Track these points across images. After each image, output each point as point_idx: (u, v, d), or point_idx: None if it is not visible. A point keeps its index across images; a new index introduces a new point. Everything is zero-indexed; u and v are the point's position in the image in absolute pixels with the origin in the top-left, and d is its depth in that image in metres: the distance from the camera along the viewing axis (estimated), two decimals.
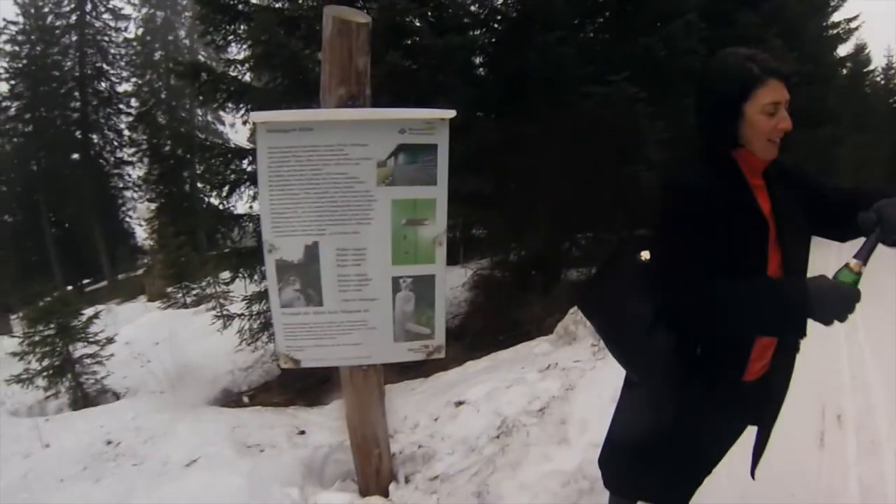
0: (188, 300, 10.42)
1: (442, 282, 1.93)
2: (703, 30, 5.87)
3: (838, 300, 1.12)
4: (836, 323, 1.12)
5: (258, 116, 1.81)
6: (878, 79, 29.98)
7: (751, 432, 1.63)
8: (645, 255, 1.39)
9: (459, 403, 2.97)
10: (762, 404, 1.51)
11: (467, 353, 4.45)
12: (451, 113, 1.78)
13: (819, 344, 4.13)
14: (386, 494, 2.23)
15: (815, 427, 3.00)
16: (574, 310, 4.11)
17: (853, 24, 16.58)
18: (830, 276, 1.14)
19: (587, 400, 2.72)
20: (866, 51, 25.26)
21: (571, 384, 2.98)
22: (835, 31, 15.47)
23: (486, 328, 5.64)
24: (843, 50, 17.07)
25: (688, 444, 1.45)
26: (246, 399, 5.09)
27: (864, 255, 1.13)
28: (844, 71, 17.60)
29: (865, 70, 25.60)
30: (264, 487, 2.29)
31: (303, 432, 3.15)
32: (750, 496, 2.10)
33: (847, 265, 1.13)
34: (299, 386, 4.75)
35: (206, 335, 6.77)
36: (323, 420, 3.29)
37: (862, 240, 1.19)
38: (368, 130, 1.78)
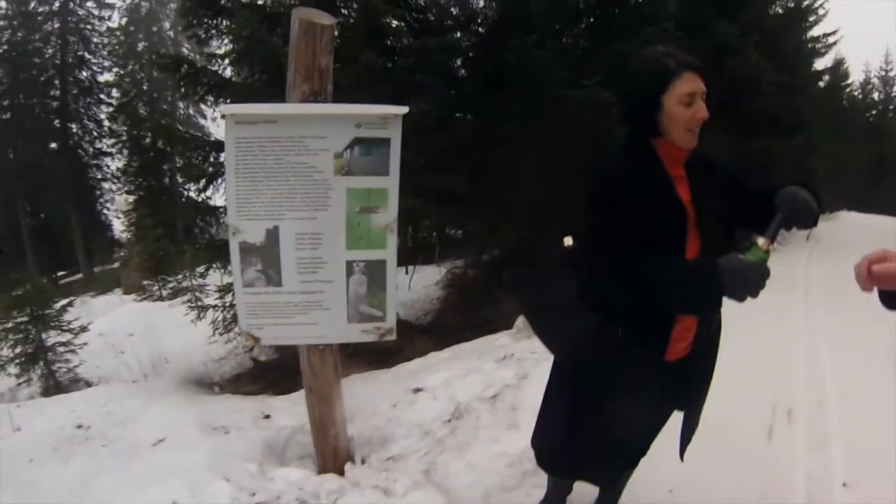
0: (164, 293, 10.37)
1: (393, 267, 2.06)
2: (680, 38, 6.06)
3: (749, 277, 1.17)
4: (750, 300, 1.17)
5: (227, 109, 1.95)
6: (856, 93, 30.86)
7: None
8: (567, 240, 1.46)
9: (418, 390, 3.08)
10: (686, 386, 1.54)
11: (434, 347, 4.57)
12: (404, 109, 1.91)
13: (778, 343, 4.31)
14: (341, 473, 2.33)
15: (766, 421, 3.06)
16: None
17: (832, 39, 16.90)
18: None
19: (539, 388, 2.78)
20: (844, 65, 25.95)
21: (525, 373, 3.10)
22: (813, 45, 15.78)
23: (455, 324, 5.77)
24: (821, 64, 17.38)
25: (614, 424, 1.48)
26: (217, 389, 5.15)
27: (771, 234, 1.19)
28: (822, 84, 17.98)
29: (843, 84, 26.31)
30: (225, 462, 2.37)
31: (268, 416, 3.22)
32: (697, 483, 2.17)
33: (755, 244, 1.18)
34: (271, 377, 4.85)
35: (180, 327, 6.78)
36: (289, 406, 3.37)
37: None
38: (327, 124, 1.91)
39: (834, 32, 16.64)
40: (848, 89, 27.77)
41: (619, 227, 1.30)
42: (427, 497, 2.07)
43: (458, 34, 5.91)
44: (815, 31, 15.60)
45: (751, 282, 1.17)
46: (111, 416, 3.23)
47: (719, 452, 2.34)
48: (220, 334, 5.32)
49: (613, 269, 1.31)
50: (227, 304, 5.20)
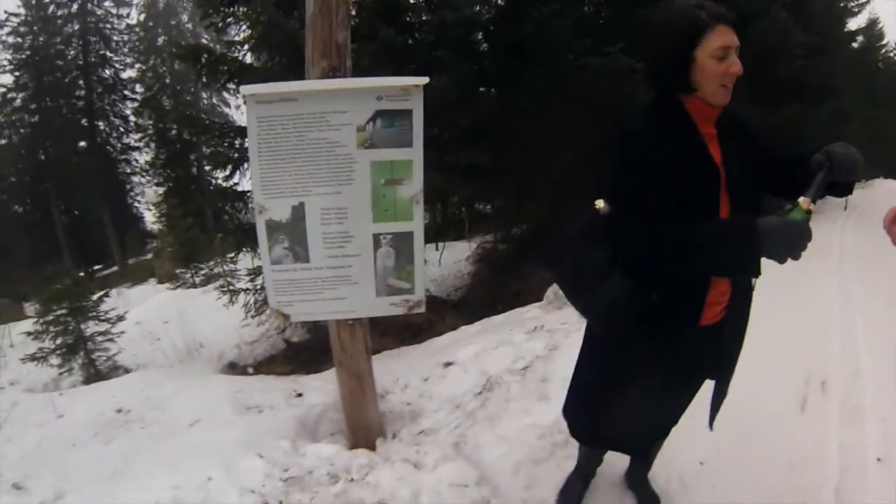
0: (197, 280, 10.59)
1: (420, 238, 2.06)
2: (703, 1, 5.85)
3: (789, 238, 1.14)
4: (791, 262, 1.14)
5: (247, 89, 1.95)
6: (892, 54, 29.39)
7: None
8: (599, 203, 1.39)
9: (448, 364, 3.09)
10: (718, 352, 1.51)
11: (465, 321, 4.58)
12: (425, 80, 1.89)
13: (811, 313, 4.20)
14: (373, 448, 2.36)
15: (799, 392, 2.99)
16: None
17: None
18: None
19: (570, 359, 2.76)
20: (879, 25, 24.75)
21: (556, 344, 3.08)
22: (845, 4, 15.05)
23: (485, 298, 5.75)
24: (854, 24, 16.63)
25: (647, 393, 1.46)
26: (251, 370, 5.26)
27: (813, 193, 1.15)
28: (855, 45, 17.21)
29: (878, 45, 25.10)
30: (258, 440, 2.42)
31: (300, 395, 3.29)
32: (728, 455, 2.15)
33: (797, 203, 1.14)
34: (303, 357, 4.92)
35: (213, 312, 6.93)
36: (321, 384, 3.43)
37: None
38: (348, 98, 1.90)
39: None
40: (883, 50, 26.42)
41: (652, 188, 1.26)
42: (457, 469, 2.08)
43: (477, 7, 5.79)
44: None
45: (792, 242, 1.14)
46: (149, 400, 3.36)
47: (751, 424, 2.30)
48: (252, 317, 5.42)
49: (648, 231, 1.27)
50: (258, 287, 5.29)
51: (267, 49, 5.31)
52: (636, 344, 1.41)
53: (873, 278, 5.46)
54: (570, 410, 1.74)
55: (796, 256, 1.15)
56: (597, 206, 1.39)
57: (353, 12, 5.18)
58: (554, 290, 4.14)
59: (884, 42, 26.39)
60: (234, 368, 5.51)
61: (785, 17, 7.97)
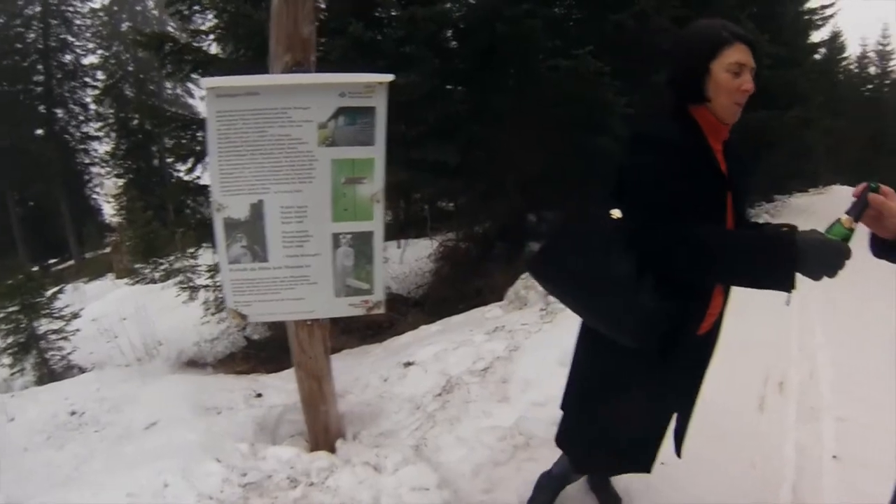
0: (156, 276, 10.33)
1: (380, 238, 2.03)
2: (676, 8, 5.97)
3: (827, 256, 1.13)
4: (826, 280, 1.13)
5: (207, 82, 1.89)
6: (853, 67, 30.71)
7: None
8: (616, 212, 1.32)
9: (409, 364, 3.08)
10: (701, 362, 1.52)
11: (426, 320, 4.57)
12: (389, 77, 1.86)
13: (770, 315, 4.33)
14: (333, 450, 2.33)
15: (757, 393, 3.08)
16: (525, 275, 4.20)
17: (829, 11, 16.81)
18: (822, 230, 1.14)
19: (530, 361, 2.82)
20: (841, 38, 25.81)
21: (516, 345, 3.10)
22: (810, 17, 15.65)
23: (447, 297, 5.77)
24: (817, 36, 17.29)
25: (655, 405, 1.47)
26: (210, 369, 5.15)
27: (856, 212, 1.12)
28: (818, 57, 17.88)
29: (839, 57, 26.17)
30: (216, 443, 2.36)
31: (260, 395, 3.23)
32: (689, 455, 2.21)
33: (839, 220, 1.12)
34: (263, 355, 4.85)
35: (173, 309, 6.79)
36: (281, 383, 3.38)
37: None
38: (311, 94, 1.86)
39: (831, 4, 16.55)
40: (844, 63, 27.63)
41: (678, 195, 1.26)
42: (417, 472, 2.06)
43: (448, 5, 5.80)
44: (812, 3, 15.50)
45: (830, 260, 1.13)
46: (104, 402, 3.26)
47: (711, 424, 2.32)
48: (213, 314, 5.32)
49: (685, 239, 1.24)
50: (218, 284, 5.18)
51: (233, 40, 5.21)
52: (645, 357, 1.36)
53: (830, 283, 5.68)
54: (577, 443, 1.64)
55: (832, 275, 1.14)
56: (612, 216, 1.32)
57: (323, 5, 5.12)
58: (515, 291, 4.17)
59: (845, 55, 27.57)
60: (193, 367, 5.39)
61: (753, 27, 8.24)
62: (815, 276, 1.15)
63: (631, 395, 1.44)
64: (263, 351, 4.86)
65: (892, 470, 1.19)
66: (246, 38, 4.89)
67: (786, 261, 1.15)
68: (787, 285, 1.18)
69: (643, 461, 1.63)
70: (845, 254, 1.12)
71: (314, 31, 2.01)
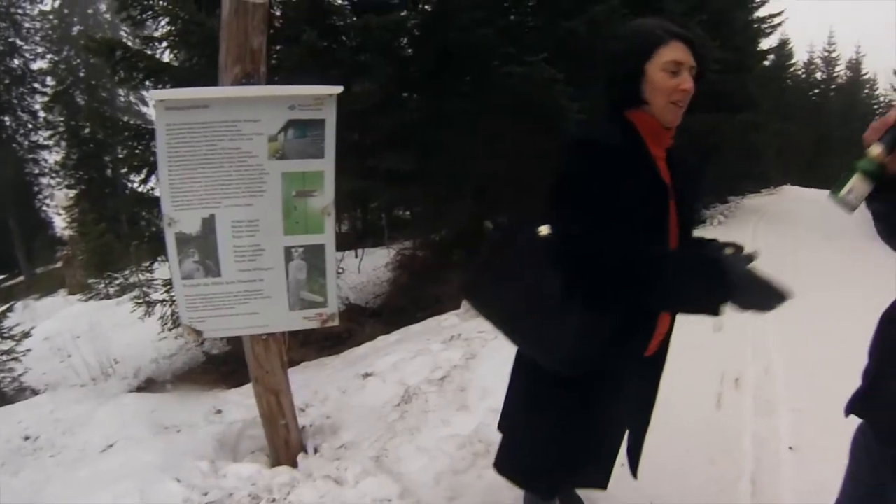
0: (111, 291, 9.99)
1: (331, 251, 2.04)
2: (627, 16, 6.13)
3: (760, 294, 1.12)
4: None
5: (156, 94, 1.88)
6: (800, 73, 32.16)
7: None
8: (544, 230, 1.23)
9: (367, 375, 3.08)
10: (651, 384, 1.48)
11: (385, 330, 4.57)
12: (339, 89, 1.87)
13: (724, 314, 4.49)
14: (294, 465, 2.30)
15: (714, 390, 3.16)
16: None
17: (777, 20, 17.45)
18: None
19: (487, 368, 2.85)
20: (789, 46, 26.90)
21: (473, 353, 3.14)
22: (759, 26, 16.28)
23: (405, 306, 5.79)
24: (766, 43, 17.93)
25: (608, 425, 1.42)
26: (169, 386, 5.01)
27: (890, 140, 0.93)
28: (767, 63, 18.63)
29: (787, 63, 27.34)
30: (176, 462, 2.31)
31: (220, 411, 3.17)
32: (647, 454, 2.25)
33: (866, 154, 0.95)
34: (223, 370, 4.76)
35: (129, 325, 6.57)
36: (241, 399, 3.32)
37: None
38: (260, 107, 1.85)
39: (779, 13, 17.24)
40: (792, 69, 28.86)
41: (606, 209, 1.18)
42: (379, 484, 2.06)
43: (404, 12, 5.82)
44: (762, 12, 16.15)
45: (762, 298, 1.12)
46: (59, 424, 3.16)
47: (669, 423, 2.33)
48: (170, 329, 5.18)
49: (615, 253, 1.17)
50: (175, 299, 5.04)
51: (186, 48, 5.09)
52: (587, 379, 1.32)
53: (783, 278, 5.95)
54: (523, 463, 1.55)
55: (764, 311, 1.14)
56: (539, 232, 1.23)
57: (279, 12, 5.07)
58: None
59: (792, 61, 28.81)
60: (151, 385, 5.24)
61: (703, 34, 8.57)
62: (745, 309, 1.14)
63: (571, 417, 1.37)
64: (223, 366, 4.77)
65: (846, 458, 1.26)
66: (199, 46, 4.78)
67: (726, 291, 1.12)
68: (715, 310, 1.16)
69: (596, 479, 1.61)
70: (780, 298, 1.12)
71: (264, 43, 2.00)
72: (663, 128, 1.26)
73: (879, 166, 0.93)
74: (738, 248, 1.20)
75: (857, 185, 0.95)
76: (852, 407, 1.16)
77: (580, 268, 1.18)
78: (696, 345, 3.20)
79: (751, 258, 1.16)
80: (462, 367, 3.02)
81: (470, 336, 3.47)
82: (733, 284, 1.11)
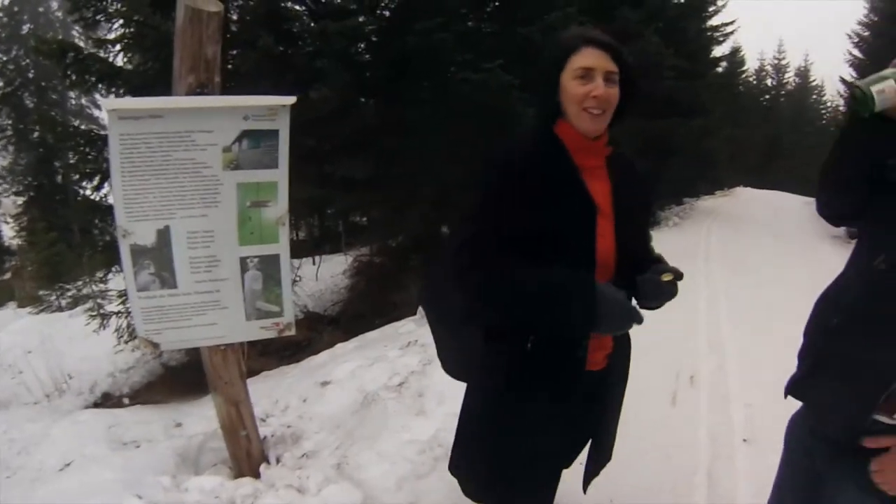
0: (63, 303, 9.59)
1: (286, 260, 2.05)
2: (583, 23, 6.28)
3: (620, 314, 1.12)
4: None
5: (109, 104, 1.85)
6: (751, 79, 33.42)
7: None
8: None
9: (326, 383, 3.09)
10: (603, 402, 1.43)
11: (343, 337, 4.58)
12: (292, 99, 1.88)
13: (680, 313, 4.64)
14: (257, 475, 2.29)
15: (670, 387, 3.28)
16: None
17: (730, 28, 18.06)
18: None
19: (444, 374, 2.88)
20: (741, 53, 27.86)
21: (429, 359, 3.17)
22: (712, 34, 16.85)
23: (363, 313, 5.79)
24: (719, 51, 18.50)
25: (544, 444, 1.33)
26: (127, 401, 4.87)
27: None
28: (720, 70, 19.31)
29: (739, 70, 28.38)
30: (136, 478, 2.27)
31: (180, 424, 3.13)
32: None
33: (883, 75, 0.98)
34: (183, 382, 4.64)
35: (83, 339, 6.31)
36: (202, 411, 3.28)
37: None
38: (214, 117, 1.85)
39: (732, 22, 17.80)
40: (744, 75, 29.97)
41: (511, 221, 1.17)
42: (341, 491, 2.08)
43: (362, 18, 5.83)
44: (715, 21, 16.70)
45: (621, 320, 1.13)
46: (13, 444, 3.06)
47: (625, 421, 2.48)
48: (126, 342, 5.01)
49: (478, 266, 1.17)
50: (131, 310, 4.90)
51: (140, 51, 4.97)
52: (524, 394, 1.29)
53: (736, 277, 6.17)
54: (461, 466, 1.51)
55: (620, 331, 1.19)
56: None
57: (235, 16, 5.01)
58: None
59: (744, 68, 29.93)
60: (108, 400, 5.08)
61: (658, 41, 8.85)
62: (602, 330, 1.16)
63: (513, 430, 1.33)
64: (182, 378, 4.66)
65: None
66: (154, 49, 4.68)
67: (582, 316, 1.12)
68: (578, 330, 1.18)
69: (539, 497, 1.48)
70: (634, 319, 1.14)
71: (219, 52, 1.99)
72: (588, 138, 1.22)
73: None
74: (677, 276, 1.22)
75: (890, 88, 0.96)
76: (790, 388, 1.23)
77: (453, 277, 1.20)
78: (653, 345, 3.32)
79: (676, 280, 1.21)
80: (419, 373, 3.06)
81: (426, 342, 3.50)
82: (600, 312, 1.10)
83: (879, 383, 1.00)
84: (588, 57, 1.17)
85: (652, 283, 1.21)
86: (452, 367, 1.41)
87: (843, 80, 18.50)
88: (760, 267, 6.80)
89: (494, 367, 1.27)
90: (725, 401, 3.16)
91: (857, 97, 0.98)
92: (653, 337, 3.58)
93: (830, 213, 1.22)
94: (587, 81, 1.16)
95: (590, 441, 1.51)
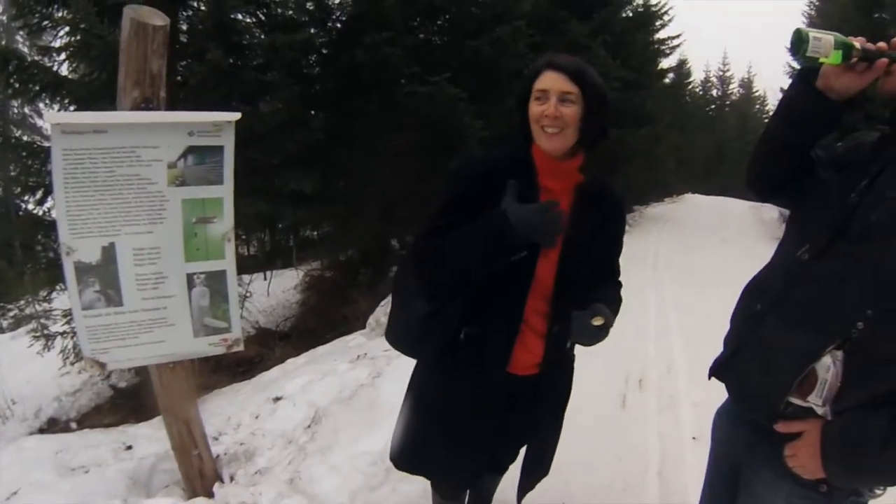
0: (5, 324, 9.08)
1: (233, 276, 2.04)
2: (532, 36, 6.42)
3: (539, 219, 1.19)
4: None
5: (52, 118, 1.80)
6: (698, 90, 34.83)
7: None
8: None
9: (278, 399, 3.07)
10: (536, 409, 1.50)
11: (295, 352, 4.55)
12: (236, 115, 1.89)
13: (628, 318, 4.77)
14: (210, 495, 2.25)
15: (619, 391, 3.37)
16: (385, 302, 4.34)
17: (676, 41, 18.75)
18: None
19: (393, 385, 2.92)
20: (687, 65, 29.00)
21: (379, 371, 3.22)
22: (659, 47, 17.48)
23: (315, 327, 5.76)
24: (666, 63, 19.21)
25: (458, 426, 1.44)
26: (74, 425, 4.66)
27: (869, 54, 0.98)
28: (667, 81, 20.03)
29: (686, 81, 29.54)
30: None
31: (130, 447, 3.01)
32: (557, 458, 2.35)
33: (829, 32, 0.99)
34: (132, 403, 4.48)
35: (26, 361, 5.98)
36: (152, 432, 3.16)
37: None
38: (159, 133, 1.83)
39: (678, 35, 18.54)
40: (690, 86, 31.19)
41: (454, 219, 1.28)
42: None
43: (312, 31, 5.82)
44: (662, 34, 17.36)
45: (542, 226, 1.19)
46: None
47: (577, 426, 2.51)
48: (72, 364, 4.79)
49: (417, 242, 1.35)
50: (76, 330, 4.70)
51: (86, 61, 4.81)
52: (445, 379, 1.44)
53: (684, 283, 6.39)
54: (394, 434, 1.67)
55: (544, 238, 1.23)
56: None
57: (185, 26, 4.92)
58: (375, 318, 4.30)
59: (690, 79, 31.17)
60: (55, 425, 4.84)
61: (605, 54, 9.13)
62: (530, 239, 1.22)
63: (437, 412, 1.47)
64: (132, 399, 4.49)
65: None
66: (100, 60, 4.54)
67: (499, 232, 1.21)
68: (504, 252, 1.24)
69: (449, 478, 1.62)
70: (553, 221, 1.21)
71: (164, 67, 1.97)
72: (554, 159, 1.31)
73: (850, 49, 0.97)
74: (607, 323, 1.28)
75: (826, 41, 0.97)
76: (714, 370, 1.27)
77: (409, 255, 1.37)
78: (602, 351, 3.42)
79: (606, 326, 1.28)
80: (369, 386, 3.09)
81: (375, 354, 3.54)
82: (510, 224, 1.19)
83: (795, 367, 1.04)
84: (546, 80, 1.26)
85: (581, 322, 1.27)
86: (392, 334, 1.51)
87: (783, 91, 19.44)
88: (708, 270, 7.01)
89: (428, 341, 1.40)
90: (674, 401, 3.25)
91: (795, 38, 0.99)
92: (602, 343, 3.71)
93: (759, 184, 1.26)
94: (543, 102, 1.26)
95: (525, 453, 1.60)
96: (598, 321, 1.26)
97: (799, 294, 1.08)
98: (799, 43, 0.98)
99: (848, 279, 0.99)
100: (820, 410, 1.03)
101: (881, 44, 0.99)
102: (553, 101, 1.24)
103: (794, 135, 1.12)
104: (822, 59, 0.98)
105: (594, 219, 1.37)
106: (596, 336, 1.29)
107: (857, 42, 0.98)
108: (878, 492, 1.08)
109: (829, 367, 1.00)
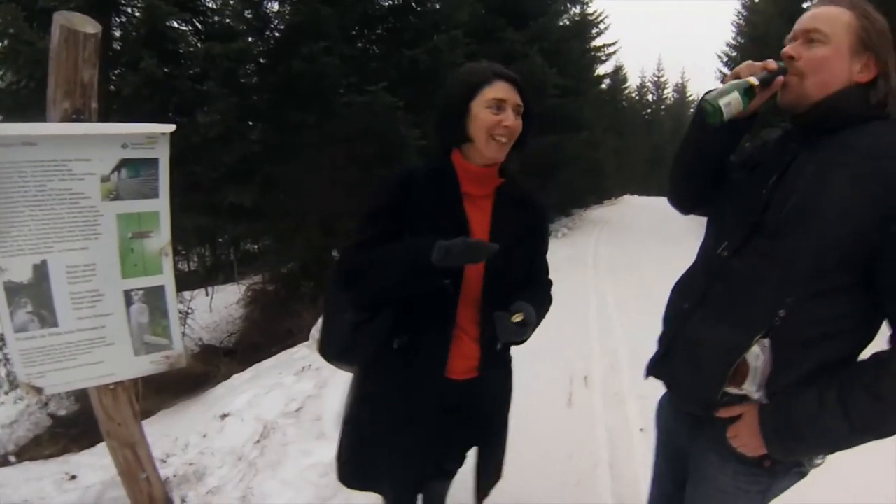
0: None
1: (172, 291, 1.99)
2: (469, 45, 6.54)
3: (463, 248, 1.19)
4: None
5: None
6: (634, 95, 36.34)
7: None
8: None
9: (225, 416, 3.02)
10: (479, 413, 1.53)
11: (240, 368, 4.48)
12: (171, 127, 1.84)
13: (572, 318, 4.89)
14: None
15: (565, 389, 3.46)
16: None
17: (612, 49, 19.51)
18: None
19: (339, 395, 2.92)
20: (623, 71, 30.29)
21: (324, 382, 3.20)
22: (596, 54, 18.12)
23: (259, 342, 5.68)
24: (602, 69, 19.97)
25: (402, 436, 1.44)
26: (13, 458, 4.36)
27: (765, 77, 1.07)
28: (603, 87, 20.77)
29: (622, 87, 30.77)
30: None
31: (74, 477, 2.87)
32: (508, 459, 2.39)
33: (746, 80, 1.07)
34: (73, 432, 4.25)
35: None
36: (96, 459, 3.03)
37: None
38: (92, 145, 1.77)
39: (614, 43, 19.37)
40: (626, 91, 32.57)
41: (389, 234, 1.30)
42: None
43: (249, 40, 5.74)
44: (598, 42, 18.02)
45: (464, 253, 1.20)
46: None
47: (525, 427, 2.48)
48: (6, 393, 4.50)
49: (341, 261, 1.36)
50: (9, 357, 4.41)
51: (14, 69, 4.55)
52: (388, 388, 1.44)
53: (625, 283, 6.61)
54: (338, 458, 1.64)
55: (468, 261, 1.23)
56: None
57: (118, 33, 4.73)
58: (318, 329, 4.28)
59: (626, 85, 32.57)
60: None
61: (541, 61, 9.40)
62: (451, 263, 1.21)
63: (375, 421, 1.48)
64: (73, 427, 4.25)
65: None
66: (28, 67, 4.32)
67: (420, 257, 1.21)
68: (428, 282, 1.25)
69: (391, 486, 1.59)
70: (476, 250, 1.21)
71: (96, 77, 1.91)
72: (482, 166, 1.34)
73: (752, 89, 1.06)
74: (527, 321, 1.30)
75: (734, 100, 1.06)
76: (649, 369, 1.32)
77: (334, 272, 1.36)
78: (545, 350, 3.45)
79: (525, 324, 1.30)
80: (315, 397, 3.07)
81: (320, 365, 3.51)
82: (439, 246, 1.19)
83: (725, 361, 1.08)
84: (502, 90, 1.29)
85: (502, 321, 1.30)
86: (322, 344, 1.54)
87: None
88: (648, 269, 7.23)
89: (358, 349, 1.42)
90: (619, 397, 3.35)
91: (707, 111, 1.07)
92: (545, 344, 3.82)
93: (678, 201, 1.36)
94: (500, 112, 1.28)
95: (476, 459, 1.62)
96: (517, 318, 1.28)
97: (721, 290, 1.13)
98: (714, 115, 1.06)
99: (766, 272, 1.05)
100: (755, 396, 1.07)
101: (769, 62, 1.07)
102: (510, 113, 1.29)
103: (706, 157, 1.21)
104: (736, 114, 1.07)
105: (517, 223, 1.40)
106: (519, 333, 1.31)
107: (752, 79, 1.06)
108: (817, 461, 1.13)
109: (758, 355, 1.04)
